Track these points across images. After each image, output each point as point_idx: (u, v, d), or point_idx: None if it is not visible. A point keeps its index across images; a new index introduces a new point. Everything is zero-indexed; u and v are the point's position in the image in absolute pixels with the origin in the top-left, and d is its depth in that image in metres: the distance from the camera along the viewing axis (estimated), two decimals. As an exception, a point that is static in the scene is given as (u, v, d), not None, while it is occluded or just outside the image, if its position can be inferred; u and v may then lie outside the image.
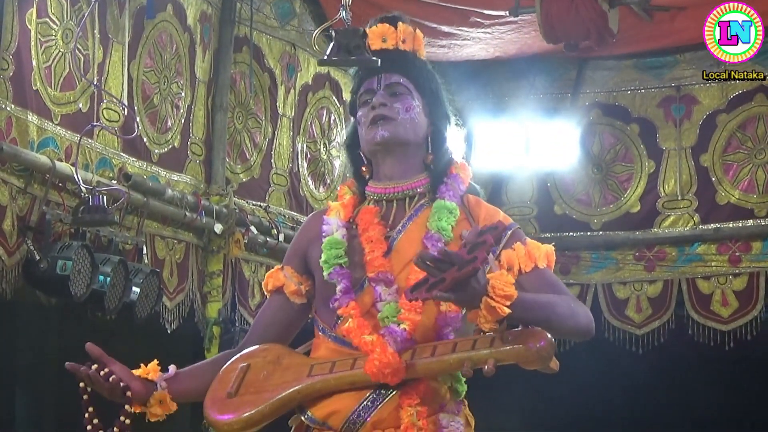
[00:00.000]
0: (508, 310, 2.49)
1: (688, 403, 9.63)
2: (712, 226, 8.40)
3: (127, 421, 2.78)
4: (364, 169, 2.87)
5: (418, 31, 2.93)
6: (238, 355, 2.84)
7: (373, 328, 2.69)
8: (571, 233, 8.73)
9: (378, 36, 2.86)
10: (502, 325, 2.52)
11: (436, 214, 2.78)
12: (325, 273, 2.76)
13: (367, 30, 2.87)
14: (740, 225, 8.35)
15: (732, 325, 8.21)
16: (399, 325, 2.67)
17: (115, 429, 2.77)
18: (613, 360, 8.78)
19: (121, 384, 2.77)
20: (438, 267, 2.43)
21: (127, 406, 2.79)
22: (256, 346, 2.84)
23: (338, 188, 2.98)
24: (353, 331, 2.69)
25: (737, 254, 8.31)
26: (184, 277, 6.63)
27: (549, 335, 2.56)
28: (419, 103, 2.85)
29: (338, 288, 2.73)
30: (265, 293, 2.93)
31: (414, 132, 2.83)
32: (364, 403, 2.67)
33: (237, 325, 6.92)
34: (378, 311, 2.71)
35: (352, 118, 2.94)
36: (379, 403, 2.67)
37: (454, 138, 2.94)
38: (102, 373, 2.77)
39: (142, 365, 2.84)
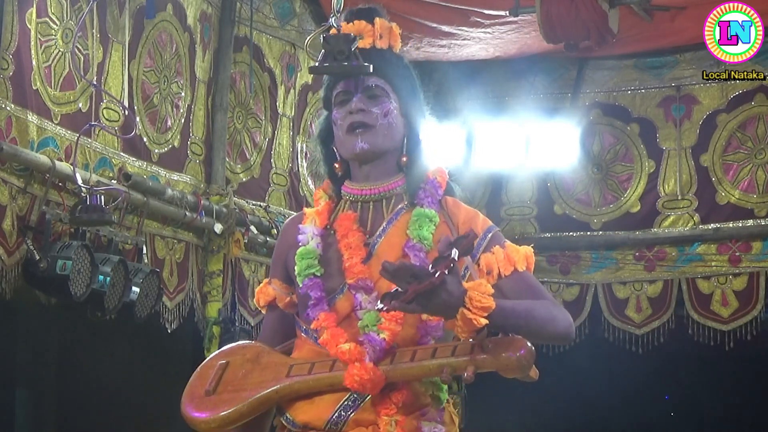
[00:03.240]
0: (484, 321, 2.48)
1: (688, 402, 9.64)
2: (712, 226, 8.40)
3: None
4: (336, 165, 2.85)
5: (394, 24, 2.88)
6: (217, 352, 2.84)
7: (351, 335, 2.68)
8: (571, 233, 8.73)
9: (354, 33, 2.81)
10: (482, 333, 2.51)
11: (417, 222, 2.75)
12: (299, 284, 2.76)
13: (343, 25, 2.83)
14: (740, 225, 8.35)
15: (732, 325, 8.21)
16: (379, 334, 2.66)
17: None
18: (613, 360, 8.78)
19: None
20: (402, 279, 2.44)
21: None
22: (236, 344, 2.85)
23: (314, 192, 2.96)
24: (329, 342, 2.68)
25: (737, 254, 8.31)
26: (184, 277, 6.63)
27: (529, 344, 2.54)
28: (396, 104, 2.82)
29: (311, 300, 2.73)
30: (260, 309, 2.93)
31: (392, 138, 2.80)
32: (345, 402, 2.67)
33: (237, 324, 6.92)
34: (358, 318, 2.70)
35: (325, 111, 2.89)
36: (361, 402, 2.67)
37: (429, 135, 2.90)
38: None
39: None
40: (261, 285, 2.91)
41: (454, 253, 2.44)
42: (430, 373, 2.63)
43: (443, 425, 2.70)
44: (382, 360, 2.63)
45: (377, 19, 2.84)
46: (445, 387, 2.72)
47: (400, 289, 2.44)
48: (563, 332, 2.69)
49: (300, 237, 2.80)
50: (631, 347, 8.39)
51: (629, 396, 9.69)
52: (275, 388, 2.69)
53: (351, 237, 2.75)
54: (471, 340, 2.55)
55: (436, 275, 2.41)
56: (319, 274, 2.75)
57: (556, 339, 2.75)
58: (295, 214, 3.04)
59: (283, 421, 2.73)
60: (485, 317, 2.48)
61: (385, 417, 2.64)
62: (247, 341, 2.86)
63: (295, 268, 2.77)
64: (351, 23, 2.83)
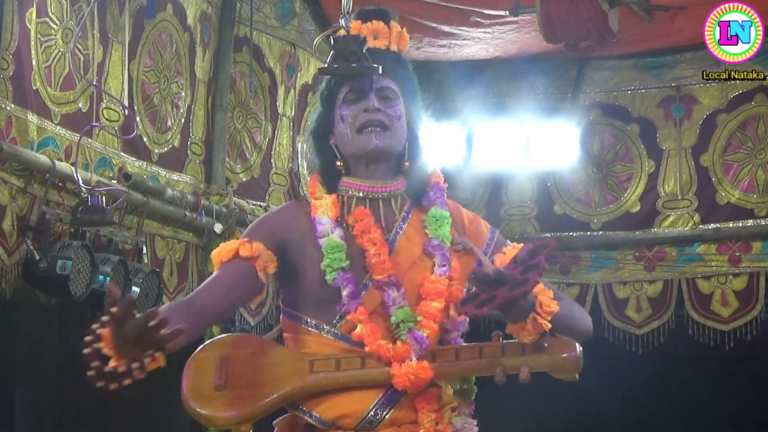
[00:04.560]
0: (549, 326, 2.56)
1: (688, 402, 9.63)
2: (712, 226, 8.40)
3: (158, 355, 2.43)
4: (339, 164, 2.84)
5: (404, 29, 2.90)
6: (207, 344, 2.77)
7: (384, 331, 2.69)
8: (571, 233, 8.72)
9: (370, 33, 2.83)
10: (544, 336, 2.59)
11: (437, 222, 2.79)
12: (328, 277, 2.72)
13: (359, 24, 2.84)
14: (740, 225, 8.34)
15: (732, 325, 8.21)
16: (419, 331, 2.68)
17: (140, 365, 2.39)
18: (613, 360, 8.77)
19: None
20: (491, 285, 2.48)
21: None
22: (226, 336, 2.81)
23: (308, 181, 2.91)
24: (367, 337, 2.68)
25: (737, 254, 8.31)
26: (184, 277, 6.63)
27: (579, 345, 2.64)
28: (403, 108, 2.84)
29: (345, 293, 2.71)
30: (226, 257, 2.78)
31: (401, 140, 2.82)
32: (381, 400, 2.67)
33: (237, 324, 6.92)
34: (387, 314, 2.70)
35: (320, 108, 2.88)
36: (398, 400, 2.67)
37: (427, 138, 2.92)
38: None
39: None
40: (242, 240, 2.77)
41: (542, 261, 2.50)
42: (480, 372, 2.68)
43: (475, 420, 2.75)
44: (425, 359, 2.66)
45: (393, 23, 2.87)
46: (473, 381, 2.76)
47: (483, 294, 2.49)
48: (590, 330, 2.83)
49: (319, 227, 2.76)
50: (631, 347, 8.39)
51: (629, 396, 9.69)
52: (300, 384, 2.66)
53: (374, 233, 2.75)
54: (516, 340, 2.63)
55: (529, 283, 2.48)
56: (347, 269, 2.73)
57: (585, 336, 2.82)
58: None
59: (310, 420, 2.70)
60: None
61: (428, 412, 2.67)
62: (236, 334, 2.84)
63: (325, 259, 2.72)
64: (369, 23, 2.84)
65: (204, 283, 2.84)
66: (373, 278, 2.73)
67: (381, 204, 2.81)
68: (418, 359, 2.64)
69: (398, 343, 2.66)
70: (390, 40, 2.85)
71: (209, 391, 2.68)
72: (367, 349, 2.67)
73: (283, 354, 2.73)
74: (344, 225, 2.79)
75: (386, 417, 2.66)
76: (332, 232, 2.76)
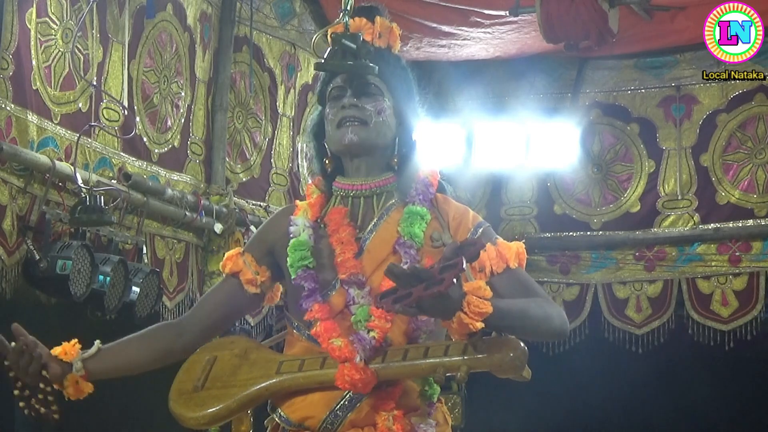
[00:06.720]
0: (480, 325, 2.48)
1: (688, 402, 9.63)
2: (712, 226, 8.40)
3: (50, 398, 2.90)
4: (326, 161, 2.85)
5: (395, 24, 2.88)
6: (203, 347, 2.83)
7: (345, 330, 2.68)
8: (571, 233, 8.73)
9: (354, 30, 2.81)
10: (477, 335, 2.51)
11: (408, 220, 2.76)
12: (292, 275, 2.75)
13: (343, 22, 2.82)
14: (740, 225, 8.34)
15: (732, 325, 8.21)
16: (369, 332, 2.66)
17: (39, 396, 2.91)
18: (613, 360, 8.77)
19: (42, 363, 2.84)
20: (406, 281, 2.43)
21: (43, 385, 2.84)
22: (224, 338, 2.85)
23: (306, 187, 2.95)
24: (321, 335, 2.68)
25: (737, 254, 8.31)
26: (184, 277, 6.63)
27: (522, 344, 2.55)
28: (390, 104, 2.82)
29: (303, 292, 2.72)
30: (222, 273, 2.89)
31: (383, 135, 2.80)
32: (342, 402, 2.67)
33: (237, 324, 6.92)
34: (351, 314, 2.70)
35: (319, 107, 2.90)
36: (357, 402, 2.67)
37: (423, 136, 2.90)
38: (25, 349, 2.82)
39: (64, 344, 2.89)
40: (232, 252, 2.88)
41: (464, 262, 2.43)
42: (423, 372, 2.63)
43: (434, 421, 2.72)
44: (373, 359, 2.63)
45: (378, 18, 2.84)
46: (436, 384, 2.74)
47: (400, 290, 2.43)
48: (558, 330, 2.70)
49: (291, 228, 2.80)
50: (631, 347, 8.38)
51: (629, 396, 9.69)
52: (265, 384, 2.69)
53: (342, 232, 2.76)
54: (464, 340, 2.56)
55: (444, 283, 2.40)
56: (312, 267, 2.74)
57: (550, 337, 2.75)
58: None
59: (276, 418, 2.74)
60: (482, 320, 2.48)
61: (383, 413, 2.65)
62: (234, 336, 2.87)
63: (288, 259, 2.76)
64: (352, 20, 2.82)
65: (204, 295, 3.00)
66: (338, 277, 2.73)
67: (362, 201, 2.80)
68: (366, 360, 2.62)
69: (343, 343, 2.65)
70: (374, 36, 2.82)
71: (188, 391, 2.74)
72: (322, 347, 2.68)
73: (263, 356, 2.75)
74: (322, 225, 2.79)
75: (347, 418, 2.66)
76: (302, 232, 2.78)
